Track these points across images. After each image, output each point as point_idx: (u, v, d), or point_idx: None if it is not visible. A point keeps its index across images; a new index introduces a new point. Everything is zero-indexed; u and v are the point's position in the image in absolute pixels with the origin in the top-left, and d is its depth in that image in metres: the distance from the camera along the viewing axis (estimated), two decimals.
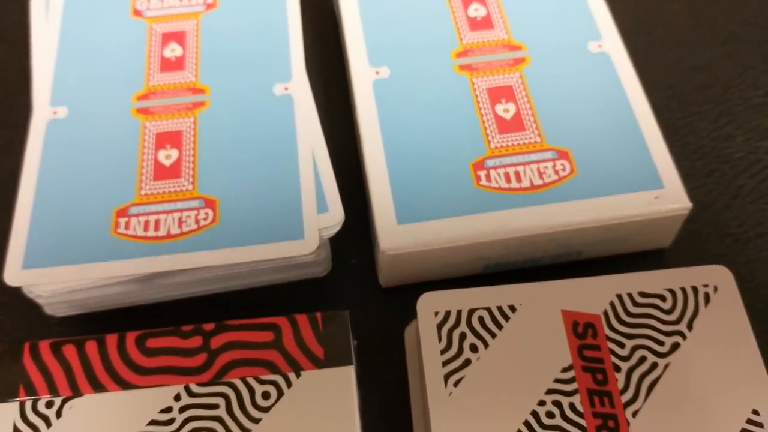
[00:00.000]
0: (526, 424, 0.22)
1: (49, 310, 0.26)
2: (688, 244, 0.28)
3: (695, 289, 0.24)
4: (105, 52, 0.30)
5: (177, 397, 0.22)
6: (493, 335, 0.23)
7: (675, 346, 0.23)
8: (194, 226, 0.25)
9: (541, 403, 0.22)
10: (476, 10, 0.30)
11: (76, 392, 0.22)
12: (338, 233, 0.26)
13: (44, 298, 0.25)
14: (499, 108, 0.27)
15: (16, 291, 0.26)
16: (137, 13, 0.31)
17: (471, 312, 0.24)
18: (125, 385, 0.22)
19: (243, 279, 0.27)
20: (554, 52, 0.29)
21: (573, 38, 0.29)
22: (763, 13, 0.34)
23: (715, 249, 0.28)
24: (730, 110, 0.32)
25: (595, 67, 0.28)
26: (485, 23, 0.29)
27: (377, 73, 0.28)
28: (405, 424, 0.25)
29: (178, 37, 0.30)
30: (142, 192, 0.26)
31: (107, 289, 0.26)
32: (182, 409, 0.22)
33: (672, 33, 0.34)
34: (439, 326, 0.24)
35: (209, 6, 0.31)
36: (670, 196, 0.25)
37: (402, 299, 0.27)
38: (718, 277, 0.24)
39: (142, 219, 0.26)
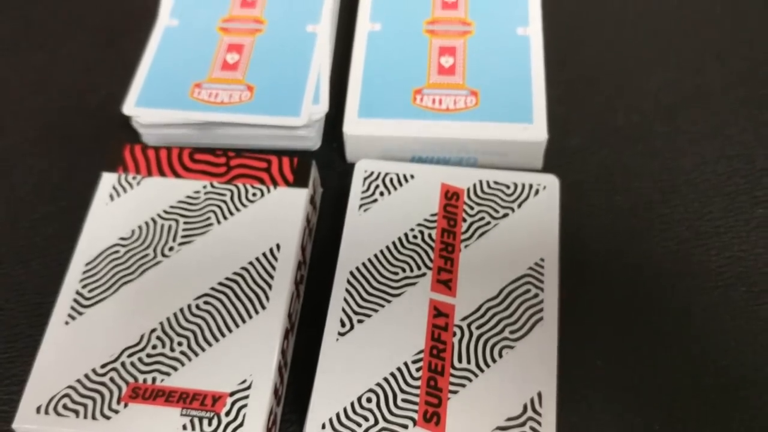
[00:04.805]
0: (399, 239, 0.36)
1: (144, 139, 0.43)
2: (555, 170, 0.41)
3: (531, 186, 0.38)
4: None
5: (205, 187, 0.38)
6: (395, 188, 0.38)
7: (506, 215, 0.37)
8: (237, 99, 0.41)
9: (411, 230, 0.36)
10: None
11: (150, 174, 0.38)
12: (327, 129, 0.41)
13: (143, 128, 0.42)
14: (443, 59, 0.41)
15: (127, 125, 0.43)
16: None
17: (386, 174, 0.38)
18: (177, 175, 0.38)
19: (262, 140, 0.42)
20: (491, 30, 0.42)
21: (507, 23, 0.43)
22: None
23: (571, 173, 0.41)
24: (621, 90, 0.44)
25: (516, 46, 0.42)
26: (452, 5, 0.44)
27: (373, 26, 0.43)
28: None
29: None
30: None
31: (181, 130, 0.42)
32: (206, 194, 0.38)
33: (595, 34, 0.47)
34: (365, 179, 0.38)
35: None
36: (534, 129, 0.39)
37: None
38: (549, 181, 0.38)
39: (209, 92, 0.42)
